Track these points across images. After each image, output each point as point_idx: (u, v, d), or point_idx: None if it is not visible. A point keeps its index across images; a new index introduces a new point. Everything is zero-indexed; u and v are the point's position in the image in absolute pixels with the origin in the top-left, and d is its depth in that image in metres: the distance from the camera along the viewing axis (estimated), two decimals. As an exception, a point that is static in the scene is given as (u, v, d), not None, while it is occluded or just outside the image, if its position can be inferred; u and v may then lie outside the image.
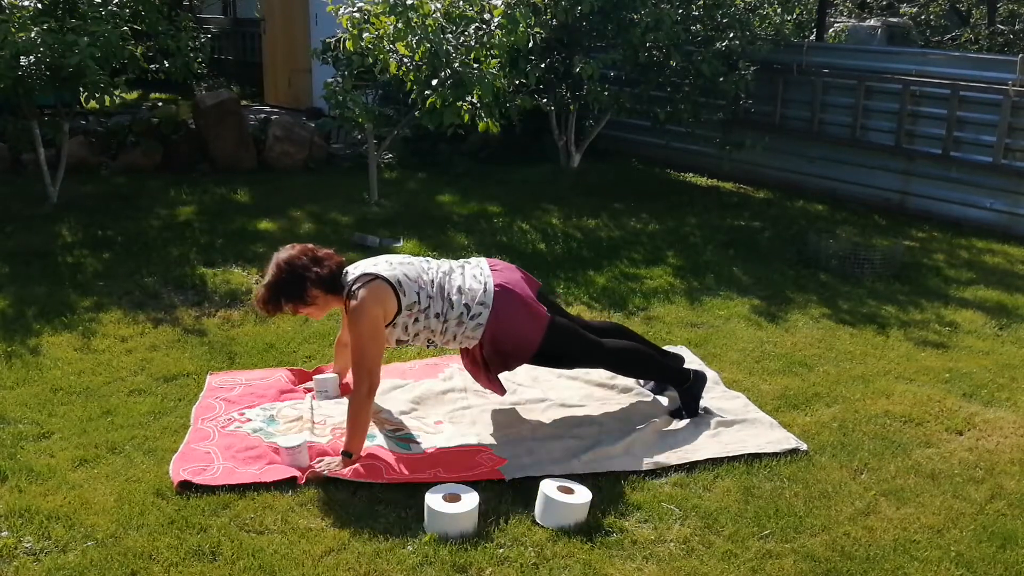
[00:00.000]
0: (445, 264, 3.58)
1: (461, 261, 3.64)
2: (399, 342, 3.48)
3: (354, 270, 3.43)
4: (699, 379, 3.85)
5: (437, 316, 3.41)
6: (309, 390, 3.94)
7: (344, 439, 3.33)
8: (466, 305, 3.42)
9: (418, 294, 3.38)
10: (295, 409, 3.76)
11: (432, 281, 3.43)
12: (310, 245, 3.49)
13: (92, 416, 3.66)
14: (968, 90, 7.35)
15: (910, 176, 7.95)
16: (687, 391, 3.82)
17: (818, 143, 8.49)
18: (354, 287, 3.34)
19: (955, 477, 3.40)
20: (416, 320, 3.40)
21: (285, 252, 3.43)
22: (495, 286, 3.47)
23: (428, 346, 3.58)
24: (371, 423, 3.61)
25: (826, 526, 3.05)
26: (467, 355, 3.67)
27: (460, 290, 3.44)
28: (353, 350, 3.34)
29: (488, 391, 3.75)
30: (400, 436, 3.56)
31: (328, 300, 3.45)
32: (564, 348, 3.59)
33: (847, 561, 2.87)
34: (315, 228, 6.56)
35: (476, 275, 3.52)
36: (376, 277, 3.34)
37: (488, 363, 3.54)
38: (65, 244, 6.01)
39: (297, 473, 3.22)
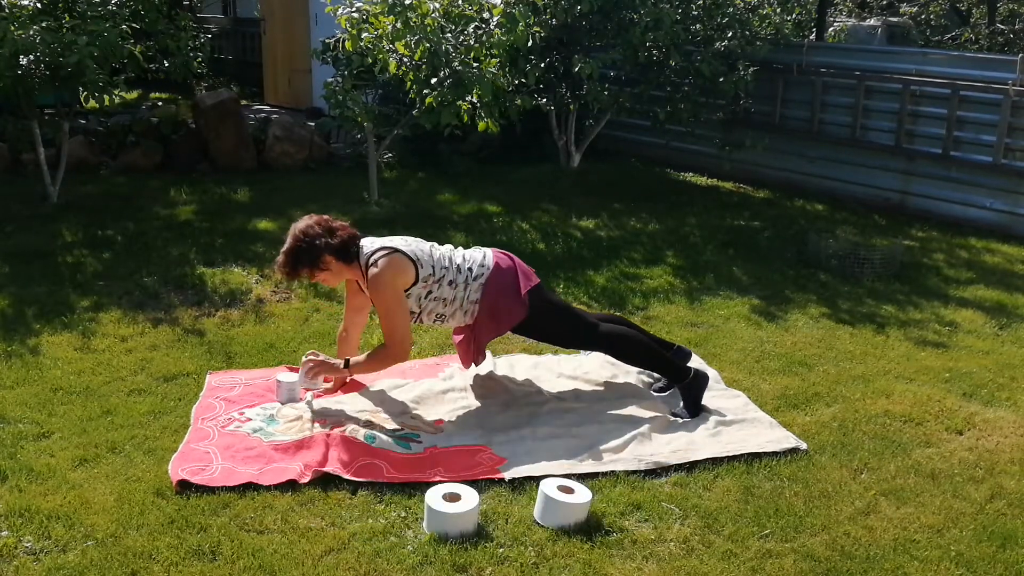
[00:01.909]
0: (447, 246, 3.83)
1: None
2: (411, 313, 3.67)
3: (370, 244, 3.65)
4: (699, 378, 3.85)
5: (451, 284, 3.65)
6: (308, 389, 3.94)
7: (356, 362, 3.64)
8: (470, 268, 3.70)
9: (432, 267, 3.62)
10: (295, 409, 3.76)
11: (443, 255, 3.71)
12: (325, 216, 3.71)
13: (92, 416, 3.66)
14: (968, 90, 7.35)
15: (910, 176, 7.96)
16: (687, 388, 3.82)
17: (818, 143, 8.49)
18: (373, 258, 3.57)
19: (955, 477, 3.40)
20: (429, 292, 3.63)
21: (302, 222, 3.65)
22: (493, 253, 3.80)
23: (435, 322, 3.75)
24: (371, 423, 3.63)
25: (826, 526, 3.05)
26: (465, 334, 3.86)
27: (464, 258, 3.75)
28: (382, 320, 3.58)
29: (485, 391, 3.81)
30: (400, 436, 3.56)
31: (341, 268, 3.64)
32: (554, 318, 3.80)
33: (847, 561, 2.87)
34: (315, 228, 6.55)
35: (474, 249, 3.85)
36: (395, 250, 3.58)
37: (481, 325, 3.71)
38: (65, 244, 6.01)
39: (295, 476, 3.21)
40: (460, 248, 3.84)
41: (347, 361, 3.67)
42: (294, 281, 3.92)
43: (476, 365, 3.88)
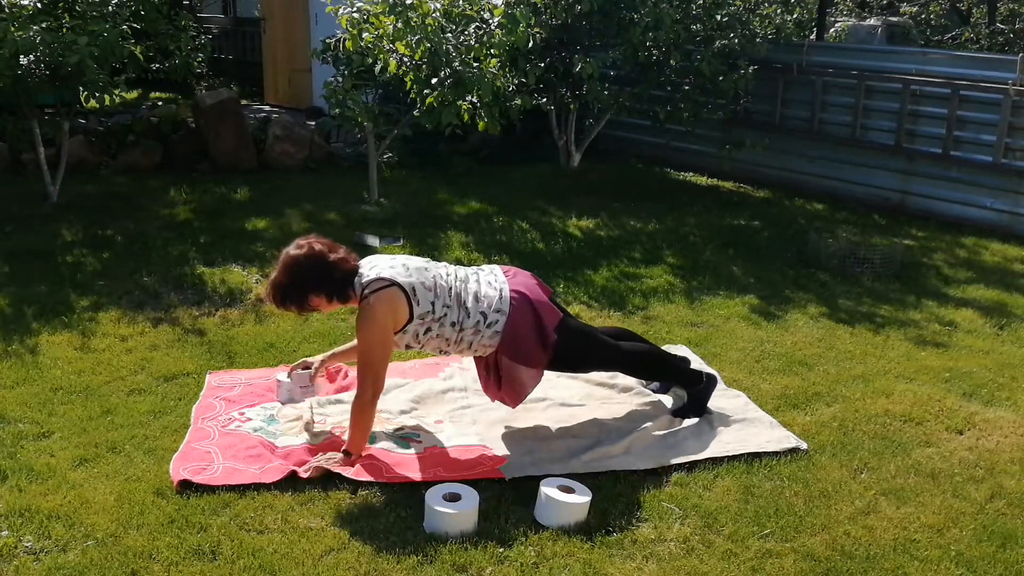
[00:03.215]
0: (461, 271, 3.50)
1: (475, 268, 3.58)
2: (408, 347, 3.43)
3: (369, 271, 3.31)
4: (711, 381, 3.84)
5: (453, 325, 3.34)
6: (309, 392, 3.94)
7: (346, 436, 3.34)
8: (483, 313, 3.35)
9: (432, 304, 3.30)
10: (295, 409, 3.76)
11: (449, 289, 3.36)
12: (323, 244, 3.33)
13: (92, 415, 3.66)
14: (968, 89, 7.35)
15: (910, 175, 7.95)
16: (697, 393, 3.81)
17: (818, 143, 8.49)
18: (368, 290, 3.25)
19: (955, 476, 3.40)
20: (428, 329, 3.34)
21: (295, 251, 3.29)
22: (511, 292, 3.42)
23: (439, 354, 3.54)
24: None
25: (826, 525, 3.05)
26: (481, 364, 3.60)
27: (477, 297, 3.38)
28: (359, 354, 3.29)
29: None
30: (400, 436, 3.56)
31: (335, 304, 3.36)
32: (580, 351, 3.54)
33: (847, 560, 2.87)
34: (315, 227, 6.55)
35: (491, 282, 3.46)
36: (391, 284, 3.25)
37: (503, 372, 3.46)
38: (65, 244, 6.01)
39: (298, 469, 3.22)
40: (474, 279, 3.46)
41: (346, 451, 3.28)
42: (282, 310, 3.43)
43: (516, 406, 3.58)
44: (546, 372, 4.16)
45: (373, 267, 3.34)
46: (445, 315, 3.32)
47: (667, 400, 3.94)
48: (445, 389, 3.99)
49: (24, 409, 3.70)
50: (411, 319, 3.28)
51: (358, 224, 6.69)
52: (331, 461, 3.25)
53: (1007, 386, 4.24)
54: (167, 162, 8.49)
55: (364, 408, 3.28)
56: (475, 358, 3.60)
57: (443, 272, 3.43)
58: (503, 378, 3.48)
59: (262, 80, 11.27)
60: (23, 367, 4.10)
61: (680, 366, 3.87)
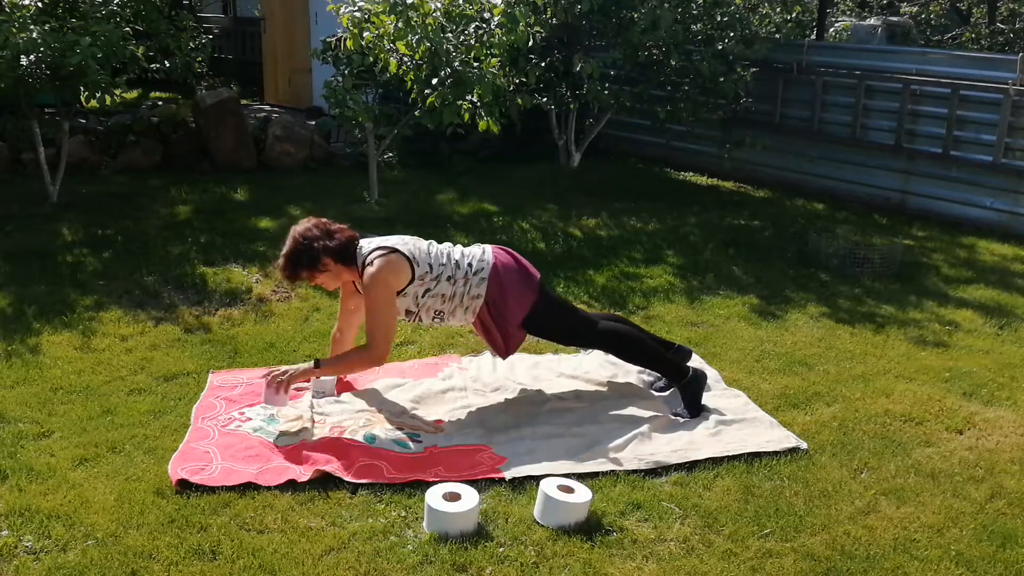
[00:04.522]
0: (445, 243, 3.85)
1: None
2: (408, 313, 3.67)
3: (368, 244, 3.66)
4: (698, 377, 3.85)
5: (449, 279, 3.65)
6: (306, 389, 3.94)
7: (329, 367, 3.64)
8: (469, 264, 3.70)
9: (430, 265, 3.63)
10: (295, 408, 3.76)
11: (441, 252, 3.73)
12: (324, 219, 3.72)
13: (92, 415, 3.66)
14: (968, 89, 7.35)
15: (910, 175, 7.96)
16: (685, 388, 3.82)
17: (818, 142, 8.49)
18: (370, 257, 3.57)
19: (955, 476, 3.40)
20: (428, 290, 3.63)
21: (301, 224, 3.67)
22: (493, 248, 3.82)
23: (434, 319, 3.74)
24: (371, 423, 3.63)
25: (826, 525, 3.05)
26: (479, 327, 3.84)
27: (463, 254, 3.76)
28: (368, 318, 3.57)
29: (491, 390, 3.86)
30: (400, 436, 3.56)
31: (340, 270, 3.65)
32: (556, 315, 3.83)
33: (847, 560, 2.87)
34: (315, 227, 6.55)
35: (473, 246, 3.85)
36: (393, 250, 3.59)
37: (494, 317, 3.72)
38: (65, 243, 6.01)
39: (295, 476, 3.22)
40: (459, 245, 3.84)
41: (317, 361, 3.61)
42: (295, 283, 3.86)
43: (509, 356, 3.84)
44: (546, 372, 4.19)
45: (371, 242, 3.70)
46: (441, 272, 3.65)
47: (667, 400, 3.94)
48: (445, 389, 3.99)
49: (24, 409, 3.70)
50: (412, 279, 3.60)
51: (358, 224, 6.67)
52: (298, 370, 3.52)
53: (1007, 386, 4.25)
54: (167, 162, 8.49)
55: (364, 362, 3.64)
56: (475, 324, 3.82)
57: (432, 242, 3.81)
58: (496, 324, 3.74)
59: (262, 80, 11.27)
60: (23, 367, 4.11)
61: (662, 354, 3.91)
